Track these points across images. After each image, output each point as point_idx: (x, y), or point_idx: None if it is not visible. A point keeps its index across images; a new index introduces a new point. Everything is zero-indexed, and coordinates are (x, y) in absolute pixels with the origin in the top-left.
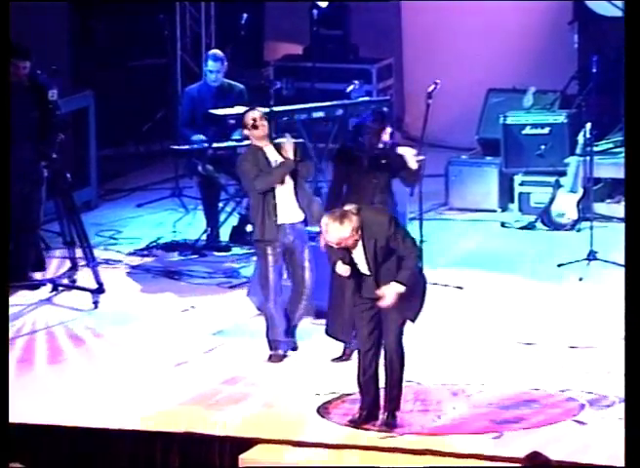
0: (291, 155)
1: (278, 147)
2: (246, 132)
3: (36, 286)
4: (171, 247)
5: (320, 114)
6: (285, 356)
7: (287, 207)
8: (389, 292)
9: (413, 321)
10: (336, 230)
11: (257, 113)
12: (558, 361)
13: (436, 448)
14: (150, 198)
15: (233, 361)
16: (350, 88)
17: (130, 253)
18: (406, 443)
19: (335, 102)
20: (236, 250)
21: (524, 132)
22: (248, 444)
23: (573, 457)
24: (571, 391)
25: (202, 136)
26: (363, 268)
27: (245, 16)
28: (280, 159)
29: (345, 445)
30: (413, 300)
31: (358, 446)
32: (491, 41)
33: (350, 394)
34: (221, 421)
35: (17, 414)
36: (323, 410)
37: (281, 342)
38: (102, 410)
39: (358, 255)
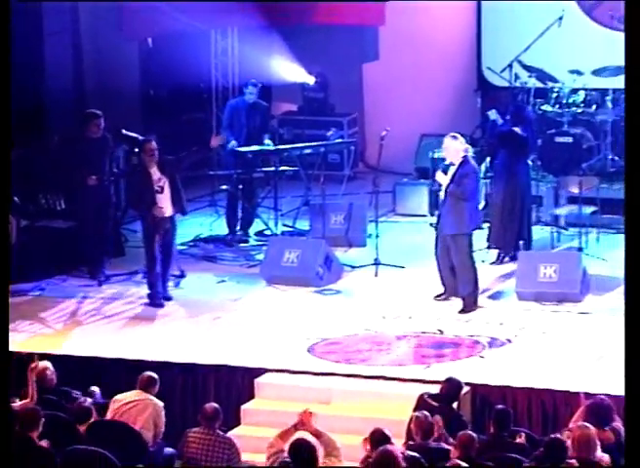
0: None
1: (160, 167)
2: (143, 156)
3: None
4: (208, 240)
5: (309, 151)
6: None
7: (165, 205)
8: None
9: None
10: None
11: (153, 145)
12: (468, 316)
13: (386, 375)
14: (194, 207)
15: (250, 316)
16: (330, 133)
17: (179, 244)
18: (366, 371)
19: (319, 143)
20: (252, 242)
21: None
22: (260, 372)
23: (476, 379)
24: (476, 336)
25: (234, 142)
26: None
27: (259, 85)
28: (161, 176)
29: (326, 372)
30: None
31: (336, 373)
32: (423, 102)
33: (329, 338)
34: (242, 356)
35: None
36: (311, 350)
37: (159, 292)
38: (157, 348)
39: None
